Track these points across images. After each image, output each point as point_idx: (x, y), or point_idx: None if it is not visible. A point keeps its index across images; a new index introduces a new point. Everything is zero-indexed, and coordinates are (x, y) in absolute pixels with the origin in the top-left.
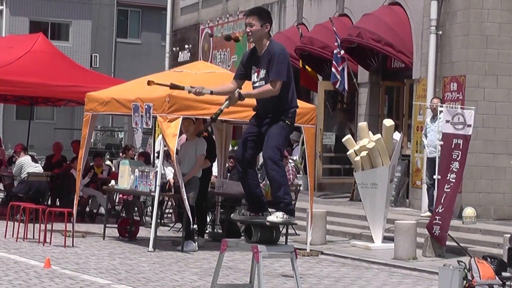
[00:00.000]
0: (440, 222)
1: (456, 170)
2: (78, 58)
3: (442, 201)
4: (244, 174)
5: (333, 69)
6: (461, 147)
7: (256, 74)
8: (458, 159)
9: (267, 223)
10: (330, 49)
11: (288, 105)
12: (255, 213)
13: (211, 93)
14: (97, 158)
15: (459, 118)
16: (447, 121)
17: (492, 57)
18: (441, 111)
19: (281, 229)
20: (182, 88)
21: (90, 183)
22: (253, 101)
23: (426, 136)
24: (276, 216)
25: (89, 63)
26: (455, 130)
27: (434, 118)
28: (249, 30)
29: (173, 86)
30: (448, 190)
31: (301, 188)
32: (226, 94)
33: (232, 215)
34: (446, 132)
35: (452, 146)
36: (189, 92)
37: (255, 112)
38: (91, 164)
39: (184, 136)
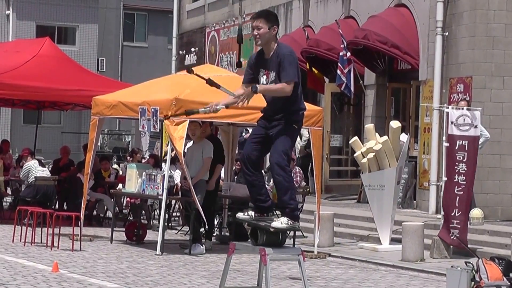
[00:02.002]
0: (458, 226)
1: (464, 171)
2: (84, 62)
3: (457, 204)
4: (250, 175)
5: (338, 71)
6: (466, 149)
7: (265, 76)
8: (464, 160)
9: (272, 229)
10: (336, 51)
11: (296, 106)
12: (261, 213)
13: (226, 107)
14: (104, 161)
15: (464, 119)
16: (452, 122)
17: (499, 58)
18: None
19: (287, 232)
20: (218, 87)
21: (97, 187)
22: (260, 104)
23: None
24: (280, 222)
25: (96, 67)
26: (460, 131)
27: None
28: (256, 33)
29: (209, 82)
30: (461, 192)
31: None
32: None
33: (237, 214)
34: (451, 133)
35: (456, 148)
36: (205, 112)
37: (262, 114)
38: (99, 168)
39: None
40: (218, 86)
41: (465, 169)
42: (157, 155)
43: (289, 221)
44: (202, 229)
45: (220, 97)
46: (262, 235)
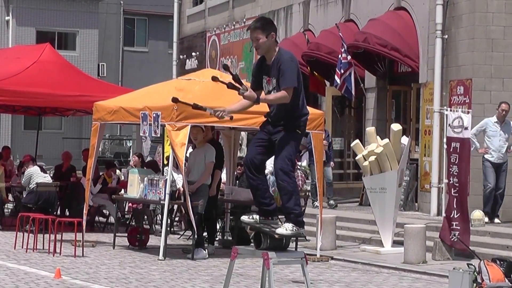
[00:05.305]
0: (458, 228)
1: (456, 173)
2: (85, 68)
3: (455, 206)
4: (253, 179)
5: (336, 76)
6: (458, 151)
7: (267, 83)
8: (456, 162)
9: (276, 236)
10: (337, 55)
11: (300, 112)
12: (265, 217)
13: (231, 118)
14: (111, 169)
15: (458, 121)
16: (449, 125)
17: (498, 60)
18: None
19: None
20: (204, 109)
21: (101, 192)
22: (262, 109)
23: (489, 138)
24: (285, 228)
25: (97, 72)
26: (455, 133)
27: (502, 123)
28: (255, 44)
29: (195, 107)
30: (457, 194)
31: (310, 194)
32: (245, 109)
33: (241, 217)
34: (448, 136)
35: (451, 150)
36: (211, 114)
37: (265, 119)
38: (100, 174)
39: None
40: (204, 109)
41: (457, 171)
42: (154, 162)
43: (294, 227)
44: (205, 233)
45: (224, 103)
46: (265, 239)
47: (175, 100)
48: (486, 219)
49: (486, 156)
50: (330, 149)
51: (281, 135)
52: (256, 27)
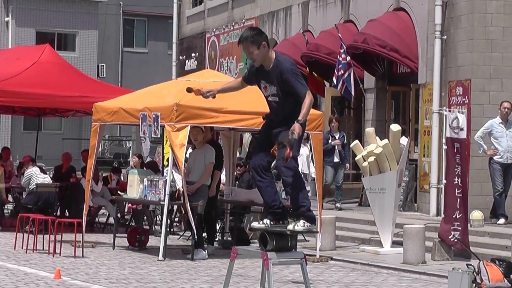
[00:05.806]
0: (459, 228)
1: (459, 174)
2: (85, 68)
3: (458, 206)
4: (262, 181)
5: (334, 78)
6: (459, 151)
7: (263, 89)
8: (460, 163)
9: (288, 232)
10: (336, 55)
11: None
12: (276, 221)
13: (214, 97)
14: (115, 173)
15: (456, 122)
16: (449, 126)
17: (497, 60)
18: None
19: (297, 236)
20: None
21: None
22: (260, 109)
23: (496, 139)
24: (296, 225)
25: (96, 73)
26: (454, 134)
27: (506, 122)
28: (250, 57)
29: (188, 90)
30: (460, 195)
31: (310, 194)
32: (232, 91)
33: (252, 223)
34: (448, 136)
35: (455, 151)
36: (204, 96)
37: (265, 121)
38: (102, 174)
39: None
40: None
41: (460, 171)
42: (154, 163)
43: (305, 223)
44: (204, 234)
45: (223, 103)
46: (272, 240)
47: (189, 89)
48: (502, 220)
49: (495, 158)
50: (345, 149)
51: (282, 134)
52: (246, 41)
